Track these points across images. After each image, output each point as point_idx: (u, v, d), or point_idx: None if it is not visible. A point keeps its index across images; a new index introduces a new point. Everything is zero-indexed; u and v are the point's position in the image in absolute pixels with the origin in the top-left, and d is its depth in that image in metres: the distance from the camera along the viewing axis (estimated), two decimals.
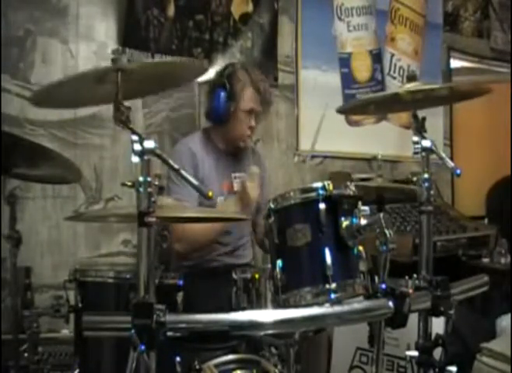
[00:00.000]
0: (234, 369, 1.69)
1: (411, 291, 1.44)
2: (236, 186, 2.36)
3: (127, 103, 1.37)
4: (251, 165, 2.34)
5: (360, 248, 1.48)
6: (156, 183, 1.32)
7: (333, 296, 1.41)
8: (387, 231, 1.44)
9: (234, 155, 2.43)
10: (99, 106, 1.99)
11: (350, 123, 3.62)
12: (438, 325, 1.68)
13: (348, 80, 3.64)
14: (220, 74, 2.36)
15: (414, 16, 3.96)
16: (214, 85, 2.34)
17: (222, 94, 2.28)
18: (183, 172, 1.36)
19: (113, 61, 1.40)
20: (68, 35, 2.73)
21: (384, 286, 1.44)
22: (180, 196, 2.12)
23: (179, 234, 2.11)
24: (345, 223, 1.44)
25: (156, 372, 1.28)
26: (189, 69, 1.70)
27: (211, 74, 2.41)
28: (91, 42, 2.78)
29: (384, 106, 2.04)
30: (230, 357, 1.71)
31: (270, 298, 1.55)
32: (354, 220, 1.44)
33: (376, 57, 3.77)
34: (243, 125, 2.32)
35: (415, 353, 1.67)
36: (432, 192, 1.70)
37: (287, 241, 1.46)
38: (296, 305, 1.43)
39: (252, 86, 2.31)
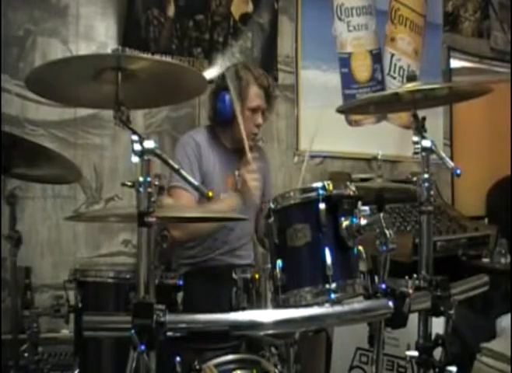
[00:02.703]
0: (234, 369, 1.69)
1: (411, 291, 1.44)
2: (239, 184, 2.36)
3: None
4: (251, 159, 2.33)
5: (360, 248, 1.48)
6: (156, 183, 1.32)
7: (333, 296, 1.41)
8: (387, 231, 1.44)
9: (239, 151, 2.43)
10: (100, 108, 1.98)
11: (350, 123, 3.62)
12: (438, 325, 1.67)
13: (348, 80, 3.64)
14: (223, 76, 2.36)
15: (414, 16, 3.96)
16: (217, 88, 2.34)
17: (227, 96, 2.28)
18: (183, 172, 1.37)
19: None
20: (68, 35, 2.73)
21: (384, 286, 1.44)
22: (182, 184, 2.12)
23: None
24: (345, 223, 1.44)
25: (156, 372, 1.28)
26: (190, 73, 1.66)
27: (211, 74, 2.40)
28: (91, 42, 2.78)
29: (384, 106, 2.04)
30: (230, 357, 1.71)
31: (270, 298, 1.55)
32: (354, 220, 1.44)
33: (377, 57, 3.76)
34: (250, 123, 2.32)
35: (415, 353, 1.67)
36: (432, 192, 1.70)
37: (287, 241, 1.46)
38: (296, 305, 1.43)
39: (256, 83, 2.32)
